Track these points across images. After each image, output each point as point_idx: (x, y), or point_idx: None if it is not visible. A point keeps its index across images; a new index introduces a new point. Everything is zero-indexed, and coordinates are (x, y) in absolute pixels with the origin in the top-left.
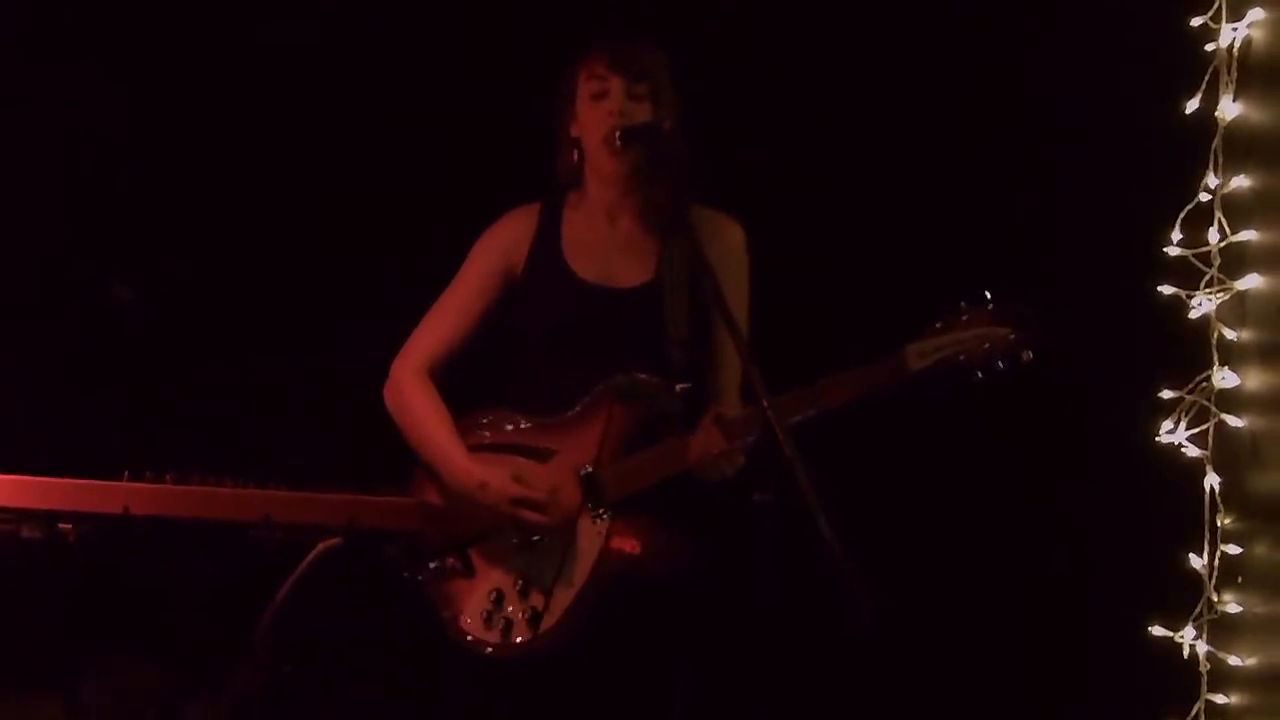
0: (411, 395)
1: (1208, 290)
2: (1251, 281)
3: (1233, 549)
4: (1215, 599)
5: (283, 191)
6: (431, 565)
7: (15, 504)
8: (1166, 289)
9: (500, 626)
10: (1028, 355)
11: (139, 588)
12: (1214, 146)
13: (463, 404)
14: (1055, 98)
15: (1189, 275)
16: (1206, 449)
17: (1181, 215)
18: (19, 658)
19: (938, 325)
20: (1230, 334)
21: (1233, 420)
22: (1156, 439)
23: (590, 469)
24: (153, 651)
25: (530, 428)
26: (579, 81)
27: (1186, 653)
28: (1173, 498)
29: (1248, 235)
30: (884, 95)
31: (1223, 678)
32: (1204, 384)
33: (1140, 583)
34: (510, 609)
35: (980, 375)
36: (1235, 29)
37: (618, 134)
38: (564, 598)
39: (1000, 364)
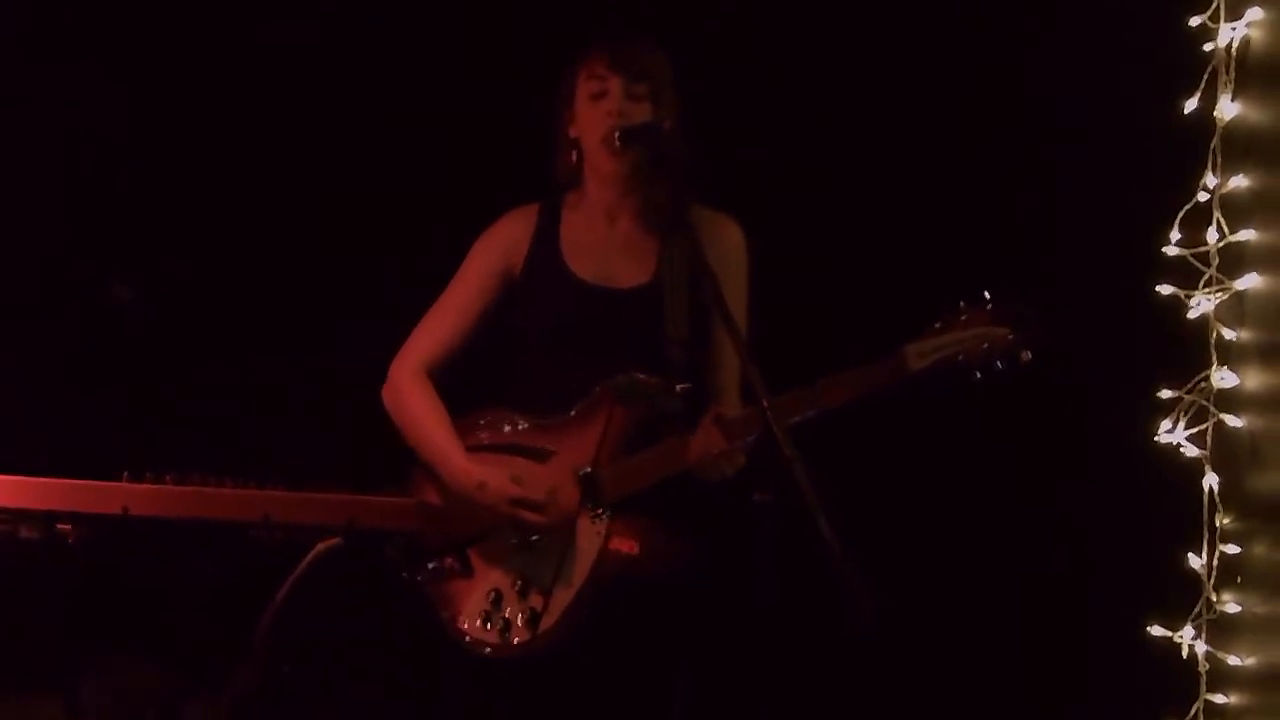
0: (410, 396)
1: (1206, 290)
2: (1250, 281)
3: (1232, 549)
4: (1214, 599)
5: (283, 191)
6: (430, 565)
7: (14, 504)
8: (1165, 289)
9: (499, 627)
10: (1026, 355)
11: (138, 588)
12: (1212, 146)
13: (462, 404)
14: (1054, 98)
15: (1188, 275)
16: (1205, 449)
17: (1180, 215)
18: (19, 658)
19: (937, 325)
20: (1229, 334)
21: (1232, 420)
22: (1155, 439)
23: (589, 469)
24: (152, 651)
25: (529, 428)
26: (578, 81)
27: (1185, 652)
28: (1172, 497)
29: (1246, 235)
30: (884, 95)
31: (1222, 677)
32: (1203, 384)
33: (1139, 582)
34: (509, 609)
35: (979, 375)
36: (1234, 29)
37: (617, 134)
38: (563, 598)
39: (999, 364)
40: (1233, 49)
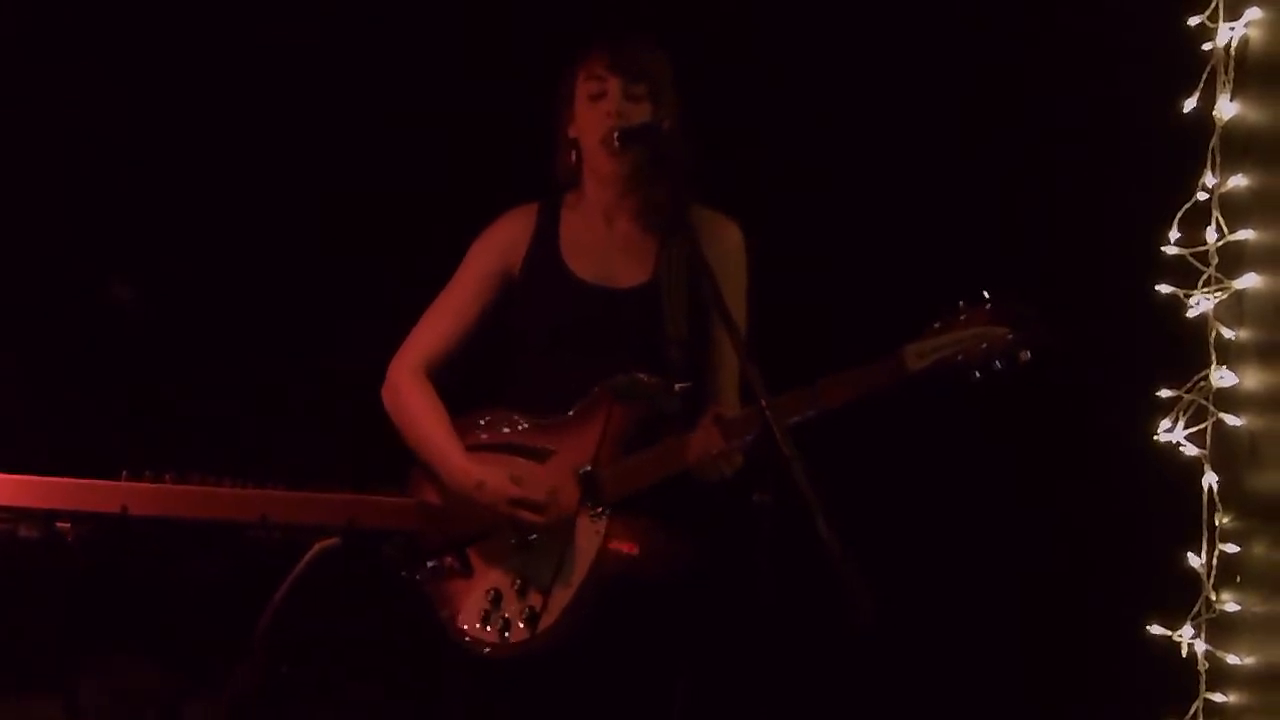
0: (409, 395)
1: (1205, 289)
2: (1249, 281)
3: (1231, 548)
4: (1213, 598)
5: (283, 191)
6: (429, 565)
7: (13, 503)
8: (1164, 288)
9: (498, 626)
10: (1025, 355)
11: (138, 588)
12: (1211, 146)
13: (461, 404)
14: (1053, 98)
15: (1187, 274)
16: (1205, 448)
17: (1179, 214)
18: (18, 658)
19: (936, 325)
20: (1228, 333)
21: (1231, 419)
22: (1155, 438)
23: (589, 469)
24: (152, 651)
25: (529, 428)
26: (577, 82)
27: (1185, 652)
28: (1171, 497)
29: (1245, 234)
30: (884, 95)
31: (1221, 676)
32: (1202, 383)
33: (1139, 582)
34: (508, 609)
35: (978, 375)
36: (1232, 28)
37: (616, 135)
38: (562, 597)
39: (998, 364)
40: (1231, 49)
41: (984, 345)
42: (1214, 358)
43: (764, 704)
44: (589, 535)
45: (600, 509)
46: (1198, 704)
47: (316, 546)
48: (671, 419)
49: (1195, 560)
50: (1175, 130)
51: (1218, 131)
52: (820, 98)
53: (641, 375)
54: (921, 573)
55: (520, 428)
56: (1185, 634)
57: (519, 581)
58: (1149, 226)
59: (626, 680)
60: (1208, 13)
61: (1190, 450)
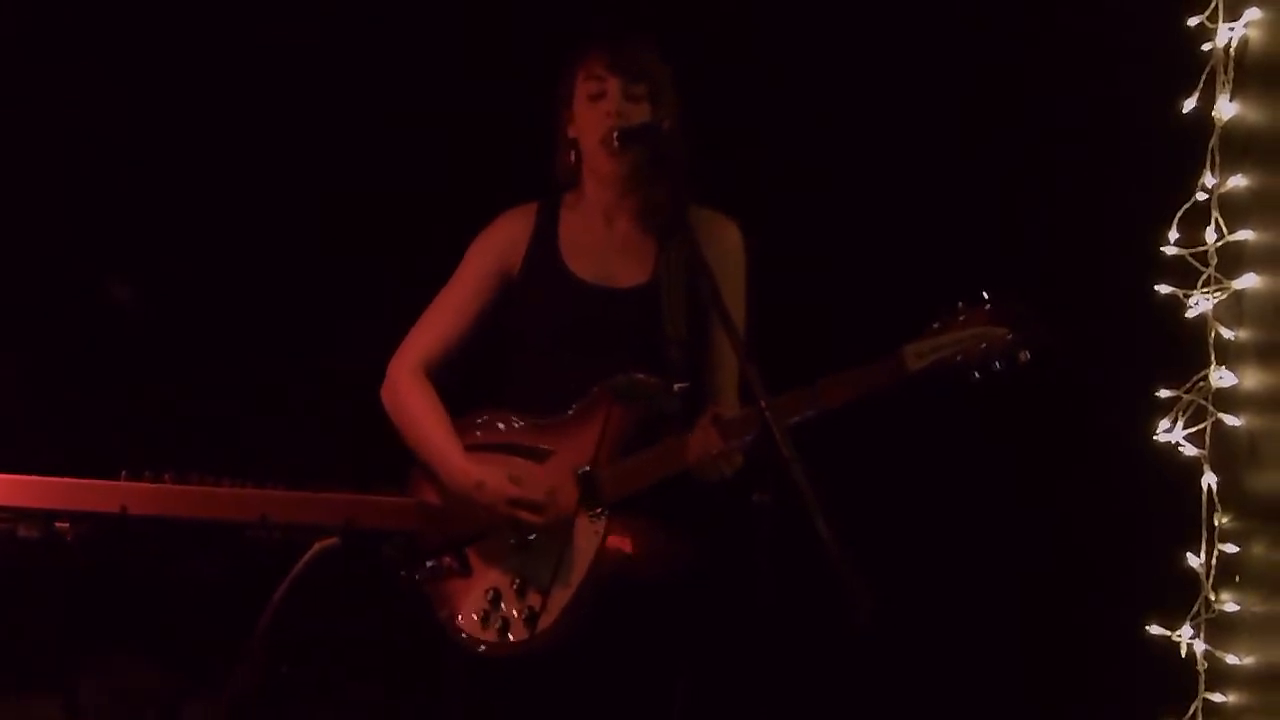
0: (409, 395)
1: (1205, 290)
2: (1248, 281)
3: (1230, 548)
4: (1213, 598)
5: (282, 191)
6: (429, 565)
7: (12, 503)
8: (1164, 288)
9: (497, 626)
10: (1025, 355)
11: (137, 587)
12: (1211, 146)
13: (461, 404)
14: (1053, 98)
15: (1186, 274)
16: (1204, 448)
17: (1179, 215)
18: (18, 658)
19: (935, 326)
20: (1227, 333)
21: (1230, 419)
22: (1154, 438)
23: (588, 469)
24: (152, 651)
25: (528, 428)
26: (577, 82)
27: (1184, 652)
28: (1170, 497)
29: (1245, 235)
30: (884, 95)
31: (1220, 676)
32: (1201, 383)
33: (1138, 582)
34: (507, 609)
35: (978, 376)
36: (1232, 29)
37: (615, 135)
38: (561, 597)
39: (998, 364)
40: (1231, 49)
41: (983, 346)
42: (1213, 358)
43: (764, 704)
44: (588, 535)
45: (599, 510)
46: (1197, 704)
47: (316, 546)
48: (671, 419)
49: (1194, 560)
50: (1175, 130)
51: (1217, 132)
52: (820, 98)
53: (640, 375)
54: (921, 573)
55: (519, 428)
56: (1184, 634)
57: (518, 582)
58: (1149, 226)
59: (626, 680)
60: (1207, 13)
61: (1189, 450)
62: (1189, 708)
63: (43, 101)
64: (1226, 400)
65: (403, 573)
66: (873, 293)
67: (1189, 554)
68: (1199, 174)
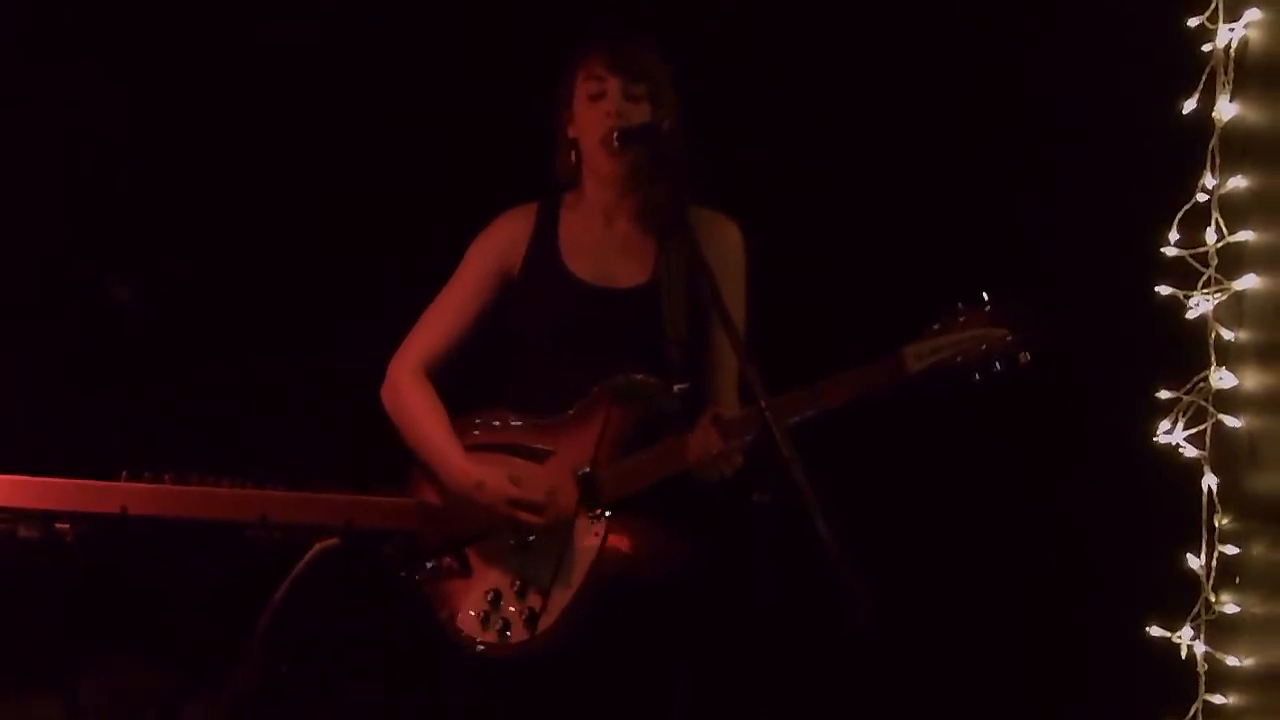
0: (409, 395)
1: (1205, 290)
2: (1249, 282)
3: (1230, 549)
4: (1213, 599)
5: (282, 191)
6: (429, 565)
7: (12, 504)
8: (1164, 289)
9: (497, 627)
10: (1025, 357)
11: (137, 588)
12: (1211, 147)
13: (461, 404)
14: (1053, 98)
15: (1186, 275)
16: (1204, 449)
17: (1179, 216)
18: (18, 658)
19: (935, 327)
20: (1227, 334)
21: (1230, 420)
22: (1154, 439)
23: (588, 469)
24: (152, 651)
25: (528, 428)
26: (577, 82)
27: (1184, 653)
28: (1170, 498)
29: (1245, 235)
30: (884, 95)
31: (1220, 678)
32: (1201, 384)
33: (1138, 583)
34: (507, 609)
35: (978, 377)
36: (1232, 29)
37: (615, 135)
38: (561, 598)
39: (998, 365)
40: (1231, 50)
41: (983, 347)
42: (1213, 359)
43: (764, 704)
44: (588, 536)
45: (599, 510)
46: (1197, 705)
47: (316, 546)
48: (671, 419)
49: (1195, 561)
50: (1175, 131)
51: (1217, 132)
52: (820, 98)
53: (640, 376)
54: (921, 573)
55: (519, 428)
56: (1185, 635)
57: (518, 582)
58: (1149, 227)
59: (626, 680)
60: (1207, 14)
61: (1190, 451)
62: (1189, 709)
63: (43, 101)
64: (1227, 401)
65: (403, 573)
66: (873, 293)
67: (1189, 555)
68: (1199, 175)
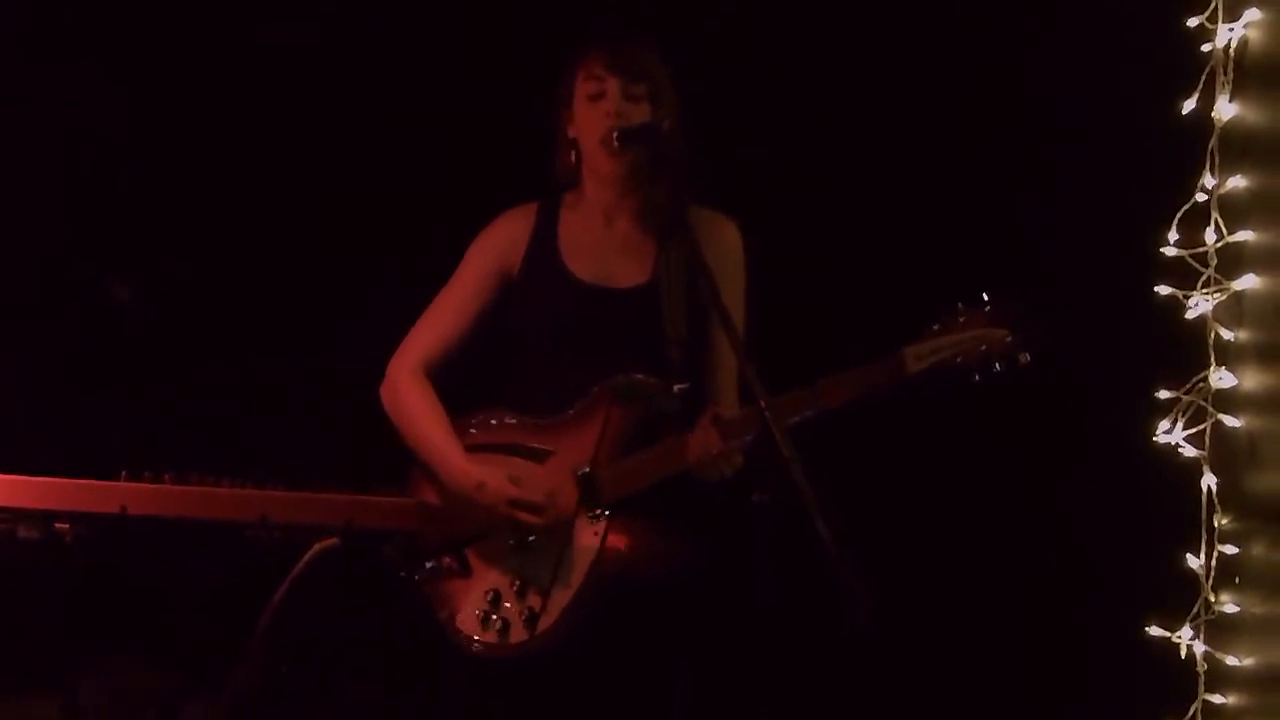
0: (408, 395)
1: (1204, 290)
2: (1248, 282)
3: (1230, 549)
4: (1212, 599)
5: (282, 191)
6: (428, 565)
7: (12, 504)
8: (1163, 289)
9: (497, 627)
10: (1025, 357)
11: (137, 588)
12: (1210, 147)
13: (461, 404)
14: (1053, 98)
15: (1186, 275)
16: (1204, 449)
17: (1178, 215)
18: (18, 658)
19: (935, 327)
20: (1227, 334)
21: (1230, 420)
22: (1154, 439)
23: (588, 470)
24: (152, 651)
25: (527, 428)
26: (576, 82)
27: (1184, 653)
28: (1170, 498)
29: (1244, 235)
30: (884, 95)
31: (1220, 678)
32: (1201, 384)
33: (1138, 583)
34: (507, 609)
35: (978, 377)
36: (1231, 29)
37: (615, 135)
38: (561, 598)
39: (997, 366)
40: (1231, 50)
41: (983, 348)
42: (1213, 359)
43: (764, 704)
44: (588, 536)
45: (599, 510)
46: (1197, 705)
47: (316, 547)
48: (670, 419)
49: (1194, 561)
50: (1174, 131)
51: (1216, 132)
52: (820, 98)
53: (640, 376)
54: (921, 573)
55: (519, 428)
56: (1184, 635)
57: (518, 582)
58: (1148, 227)
59: (626, 681)
60: (1207, 14)
61: (1189, 451)
62: (1189, 709)
63: (43, 101)
64: (1226, 401)
65: (402, 573)
66: (873, 293)
67: (1189, 555)
68: (1199, 174)
